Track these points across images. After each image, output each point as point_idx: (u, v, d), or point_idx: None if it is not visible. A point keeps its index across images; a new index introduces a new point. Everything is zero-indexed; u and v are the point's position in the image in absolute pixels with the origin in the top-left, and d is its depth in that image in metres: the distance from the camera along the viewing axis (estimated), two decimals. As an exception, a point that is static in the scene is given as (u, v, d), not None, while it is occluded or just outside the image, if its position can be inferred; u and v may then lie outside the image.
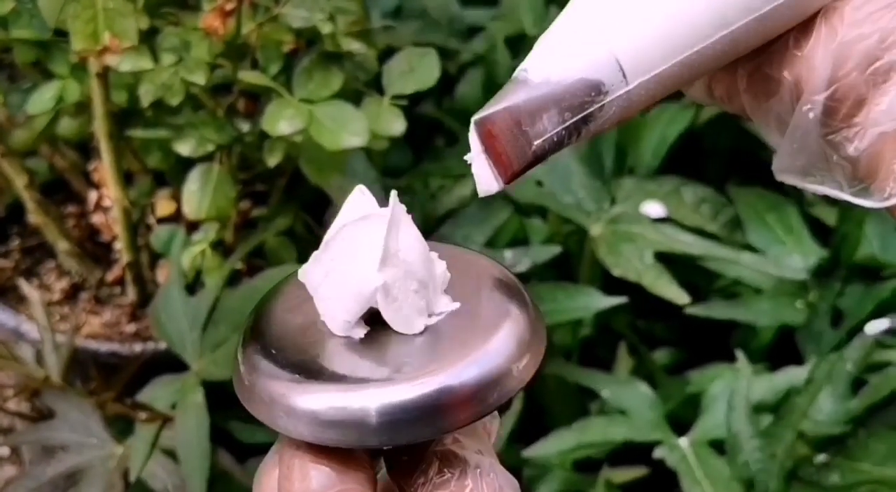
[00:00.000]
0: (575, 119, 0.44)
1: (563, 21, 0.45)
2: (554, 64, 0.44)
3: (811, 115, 0.45)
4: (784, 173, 0.48)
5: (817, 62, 0.44)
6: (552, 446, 1.12)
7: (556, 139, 0.44)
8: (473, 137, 0.44)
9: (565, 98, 0.43)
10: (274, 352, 0.43)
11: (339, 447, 0.41)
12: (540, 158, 0.44)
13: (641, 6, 0.44)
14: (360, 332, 0.43)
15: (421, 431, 0.41)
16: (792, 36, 0.45)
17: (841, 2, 0.44)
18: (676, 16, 0.44)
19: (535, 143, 0.44)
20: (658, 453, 1.12)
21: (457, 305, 0.44)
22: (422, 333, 0.43)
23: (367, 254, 0.42)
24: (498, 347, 0.42)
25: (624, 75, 0.43)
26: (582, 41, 0.44)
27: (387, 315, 0.43)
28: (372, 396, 0.41)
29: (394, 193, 0.44)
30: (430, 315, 0.44)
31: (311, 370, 0.42)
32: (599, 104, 0.44)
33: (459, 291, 0.45)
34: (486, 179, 0.44)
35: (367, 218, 0.43)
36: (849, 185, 0.46)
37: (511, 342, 0.43)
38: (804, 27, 0.45)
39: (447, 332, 0.43)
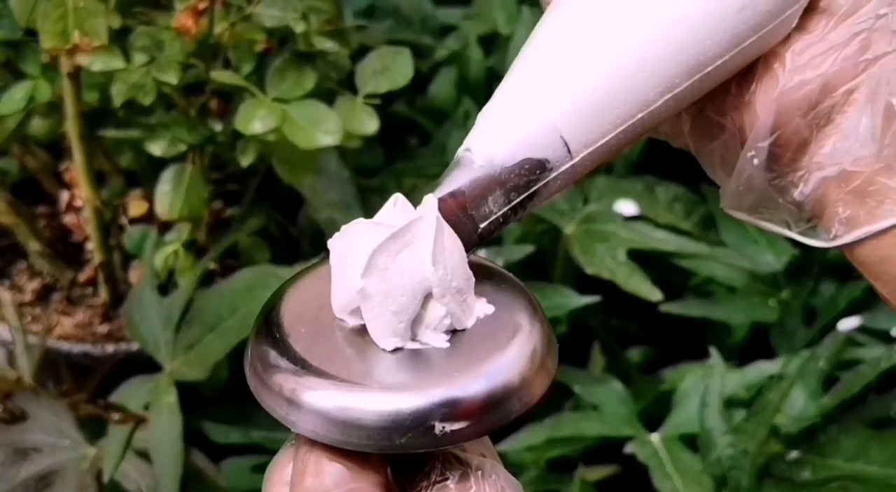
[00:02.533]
0: (520, 198, 0.43)
1: (504, 94, 0.44)
2: (497, 144, 0.43)
3: (755, 160, 0.45)
4: (732, 210, 0.48)
5: (760, 109, 0.44)
6: (523, 441, 1.12)
7: (501, 220, 0.44)
8: (434, 210, 0.43)
9: (510, 179, 0.43)
10: (287, 347, 0.43)
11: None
12: (486, 238, 0.44)
13: (584, 77, 0.43)
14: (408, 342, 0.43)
15: (421, 441, 0.41)
16: (734, 81, 0.45)
17: (781, 47, 0.44)
18: (620, 86, 0.43)
19: (482, 225, 0.44)
20: (629, 448, 1.12)
21: (492, 308, 0.44)
22: (454, 341, 0.43)
23: (419, 258, 0.42)
24: (509, 363, 0.42)
25: (569, 150, 0.43)
26: (525, 118, 0.43)
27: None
28: (376, 400, 0.41)
29: (433, 199, 0.43)
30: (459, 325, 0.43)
31: (322, 369, 0.42)
32: (544, 181, 0.43)
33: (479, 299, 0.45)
34: None
35: (414, 222, 0.43)
36: (795, 224, 0.47)
37: (523, 360, 0.42)
38: (745, 73, 0.45)
39: (467, 342, 0.43)
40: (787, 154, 0.44)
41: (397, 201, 0.44)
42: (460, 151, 0.44)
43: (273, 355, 0.43)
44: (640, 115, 0.44)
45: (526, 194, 0.43)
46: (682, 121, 0.48)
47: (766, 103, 0.44)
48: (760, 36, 0.44)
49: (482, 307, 0.44)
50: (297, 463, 0.42)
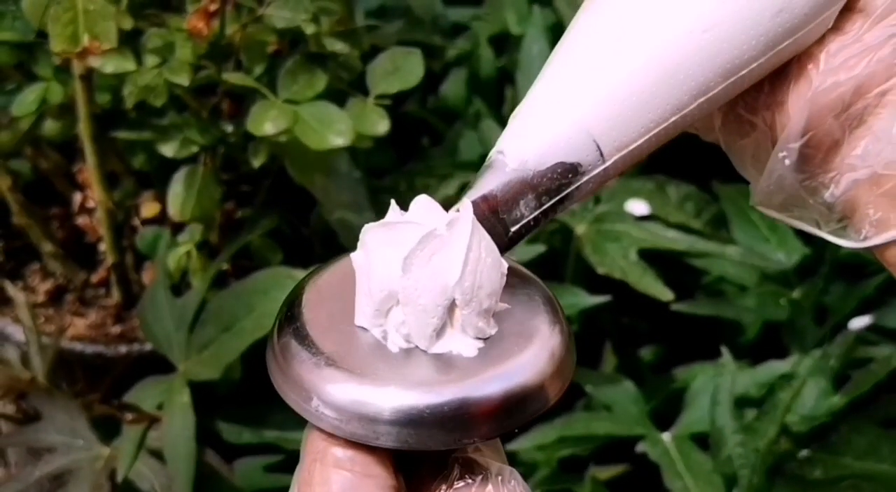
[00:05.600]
0: (552, 201, 0.43)
1: (537, 97, 0.44)
2: (530, 147, 0.43)
3: (787, 161, 0.44)
4: (762, 207, 0.48)
5: (793, 110, 0.44)
6: (535, 440, 1.12)
7: (532, 223, 0.44)
8: (469, 214, 0.43)
9: (542, 183, 0.43)
10: (309, 342, 0.43)
11: (362, 452, 0.41)
12: (516, 241, 0.44)
13: (618, 82, 0.43)
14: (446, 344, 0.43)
15: (436, 438, 0.41)
16: (767, 80, 0.45)
17: (816, 48, 0.44)
18: (654, 90, 0.43)
19: (513, 229, 0.44)
20: (640, 447, 1.12)
21: (515, 310, 0.44)
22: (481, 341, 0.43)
23: (449, 262, 0.42)
24: (527, 364, 0.43)
25: (601, 154, 0.43)
26: (558, 122, 0.43)
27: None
28: (396, 396, 0.41)
29: (467, 202, 0.43)
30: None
31: (345, 364, 0.42)
32: (576, 184, 0.43)
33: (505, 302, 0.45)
34: None
35: (450, 225, 0.43)
36: (825, 224, 0.46)
37: (541, 360, 0.43)
38: (779, 72, 0.45)
39: (490, 344, 0.43)
40: (819, 155, 0.44)
41: (421, 202, 0.44)
42: (493, 153, 0.44)
43: (295, 348, 0.43)
44: (673, 119, 0.44)
45: (557, 198, 0.44)
46: (713, 117, 0.48)
47: (798, 104, 0.44)
48: (796, 38, 0.44)
49: (505, 310, 0.44)
50: (304, 474, 0.42)
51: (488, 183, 0.44)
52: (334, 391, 0.41)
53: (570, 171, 0.43)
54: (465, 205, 0.43)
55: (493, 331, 0.43)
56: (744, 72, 0.44)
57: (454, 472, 0.42)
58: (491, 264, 0.43)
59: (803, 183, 0.45)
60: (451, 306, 0.42)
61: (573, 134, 0.43)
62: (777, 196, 0.46)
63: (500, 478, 0.42)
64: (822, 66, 0.44)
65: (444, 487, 0.42)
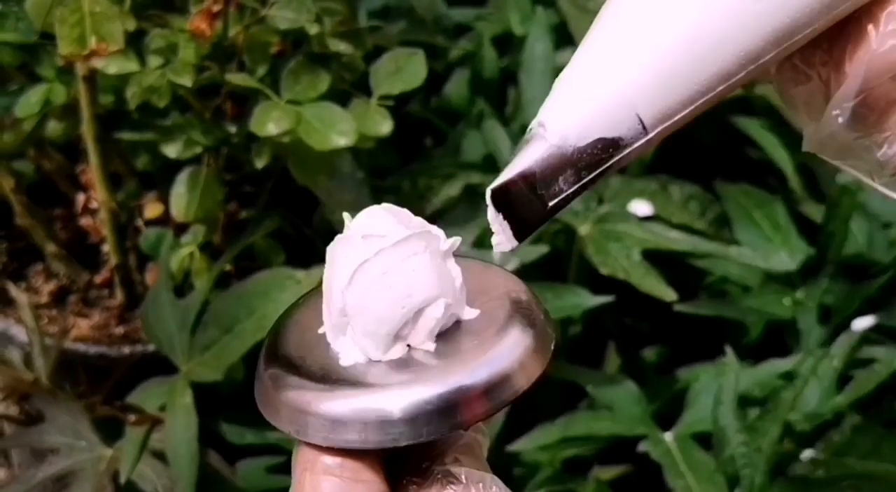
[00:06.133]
0: (591, 176, 0.43)
1: (581, 67, 0.43)
2: (572, 123, 0.42)
3: (840, 119, 0.43)
4: (815, 152, 0.47)
5: (849, 70, 0.43)
6: (537, 441, 1.12)
7: (570, 196, 0.43)
8: (489, 203, 0.43)
9: (582, 159, 0.42)
10: (294, 365, 0.45)
11: (352, 459, 0.43)
12: (553, 215, 0.44)
13: (665, 54, 0.42)
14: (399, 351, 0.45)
15: (441, 426, 0.42)
16: (825, 38, 0.44)
17: (877, 6, 0.43)
18: (702, 61, 0.42)
19: (550, 203, 0.43)
20: (642, 446, 1.12)
21: (476, 312, 0.46)
22: (440, 341, 0.45)
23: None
24: (507, 350, 0.44)
25: (644, 128, 0.42)
26: (602, 96, 0.42)
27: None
28: (395, 397, 0.42)
29: (488, 197, 0.44)
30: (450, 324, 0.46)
31: (334, 379, 0.44)
32: (616, 158, 0.43)
33: (472, 300, 0.47)
34: (501, 240, 0.44)
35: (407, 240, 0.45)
36: (879, 176, 0.45)
37: (519, 345, 0.45)
38: (837, 31, 0.43)
39: (463, 338, 0.45)
40: (873, 116, 0.43)
41: (380, 212, 0.46)
42: (534, 125, 0.43)
43: (279, 374, 0.45)
44: (720, 88, 0.43)
45: (597, 172, 0.43)
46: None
47: (855, 64, 0.43)
48: (855, 1, 0.43)
49: (468, 311, 0.46)
50: (295, 485, 0.43)
51: (528, 158, 0.43)
52: (321, 405, 0.43)
53: (610, 145, 0.42)
54: (487, 199, 0.43)
55: (461, 320, 0.46)
56: (797, 38, 0.42)
57: (436, 483, 0.43)
58: (449, 274, 0.45)
59: (856, 140, 0.44)
60: (411, 316, 0.44)
61: (617, 109, 0.42)
62: (830, 147, 0.45)
63: (481, 485, 0.43)
64: (882, 28, 0.42)
65: None
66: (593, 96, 0.42)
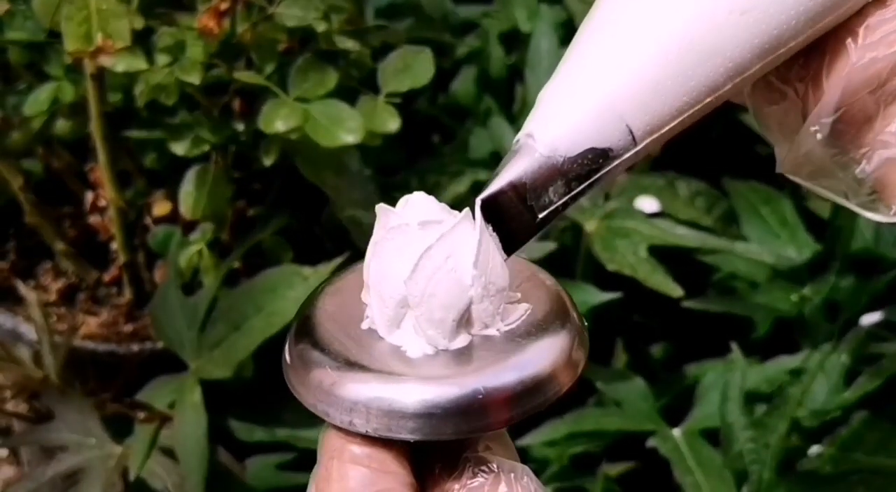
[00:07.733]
0: (581, 187, 0.43)
1: (568, 77, 0.43)
2: (561, 133, 0.42)
3: (818, 136, 0.43)
4: (789, 174, 0.47)
5: (827, 85, 0.43)
6: (545, 436, 1.12)
7: (560, 208, 0.43)
8: (478, 214, 0.43)
9: (572, 169, 0.42)
10: (326, 346, 0.44)
11: (380, 449, 0.42)
12: (543, 227, 0.43)
13: (653, 64, 0.42)
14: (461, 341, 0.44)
15: (458, 427, 0.41)
16: (802, 53, 0.43)
17: (855, 20, 0.42)
18: (691, 72, 0.42)
19: (540, 215, 0.43)
20: (651, 442, 1.12)
21: (527, 306, 0.45)
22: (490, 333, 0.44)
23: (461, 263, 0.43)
24: (539, 355, 0.43)
25: (634, 138, 0.42)
26: (590, 106, 0.42)
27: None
28: (413, 390, 0.41)
29: (477, 201, 0.43)
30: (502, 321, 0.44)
31: (360, 363, 0.43)
32: (606, 169, 0.43)
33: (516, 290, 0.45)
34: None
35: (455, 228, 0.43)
36: (854, 197, 0.45)
37: (552, 351, 0.43)
38: (814, 46, 0.43)
39: (504, 338, 0.44)
40: (851, 131, 0.43)
41: (423, 198, 0.44)
42: (521, 136, 0.43)
43: (313, 354, 0.43)
44: (707, 100, 0.42)
45: (587, 183, 0.43)
46: None
47: (833, 79, 0.42)
48: (838, 14, 0.42)
49: (518, 306, 0.45)
50: (322, 471, 0.42)
51: (516, 169, 0.42)
52: (353, 389, 0.42)
53: (600, 156, 0.42)
54: (476, 205, 0.43)
55: (507, 322, 0.44)
56: (782, 51, 0.42)
57: (467, 471, 0.42)
58: (500, 263, 0.43)
59: (834, 158, 0.44)
60: (465, 307, 0.43)
61: (606, 119, 0.42)
62: (805, 167, 0.45)
63: (512, 475, 0.42)
64: (861, 41, 0.42)
65: (456, 486, 0.42)
66: (582, 106, 0.42)
